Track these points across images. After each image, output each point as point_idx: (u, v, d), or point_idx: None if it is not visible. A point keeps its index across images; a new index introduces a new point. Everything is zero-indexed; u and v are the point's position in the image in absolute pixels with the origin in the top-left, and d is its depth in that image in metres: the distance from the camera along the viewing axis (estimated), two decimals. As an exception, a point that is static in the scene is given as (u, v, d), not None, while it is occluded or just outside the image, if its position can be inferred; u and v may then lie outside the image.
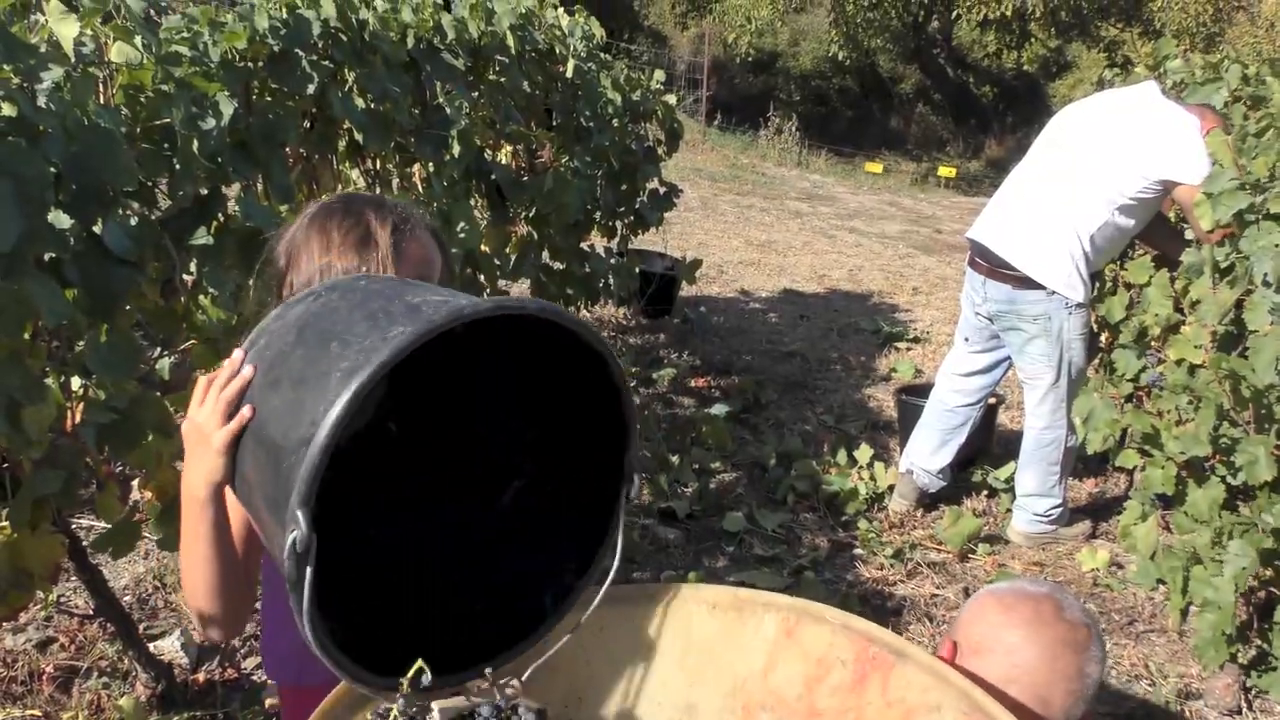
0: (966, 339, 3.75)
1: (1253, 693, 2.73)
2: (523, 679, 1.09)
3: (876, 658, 1.18)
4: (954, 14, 18.56)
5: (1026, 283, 3.37)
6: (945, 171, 16.35)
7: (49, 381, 1.72)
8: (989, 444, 4.30)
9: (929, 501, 3.91)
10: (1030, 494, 3.67)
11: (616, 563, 1.14)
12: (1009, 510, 3.86)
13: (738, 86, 21.97)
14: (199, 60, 1.99)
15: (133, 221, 1.76)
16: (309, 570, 0.92)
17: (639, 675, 1.24)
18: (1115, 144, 3.30)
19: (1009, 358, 3.66)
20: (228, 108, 1.96)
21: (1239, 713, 2.72)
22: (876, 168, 16.28)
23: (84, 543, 2.17)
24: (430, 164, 3.14)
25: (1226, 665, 2.58)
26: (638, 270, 5.65)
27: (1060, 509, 3.67)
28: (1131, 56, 15.91)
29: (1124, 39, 18.98)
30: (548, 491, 1.22)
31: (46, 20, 1.64)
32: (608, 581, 1.14)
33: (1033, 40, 19.87)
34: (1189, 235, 3.16)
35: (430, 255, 1.43)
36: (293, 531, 0.91)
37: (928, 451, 3.83)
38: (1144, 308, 3.09)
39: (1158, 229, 3.48)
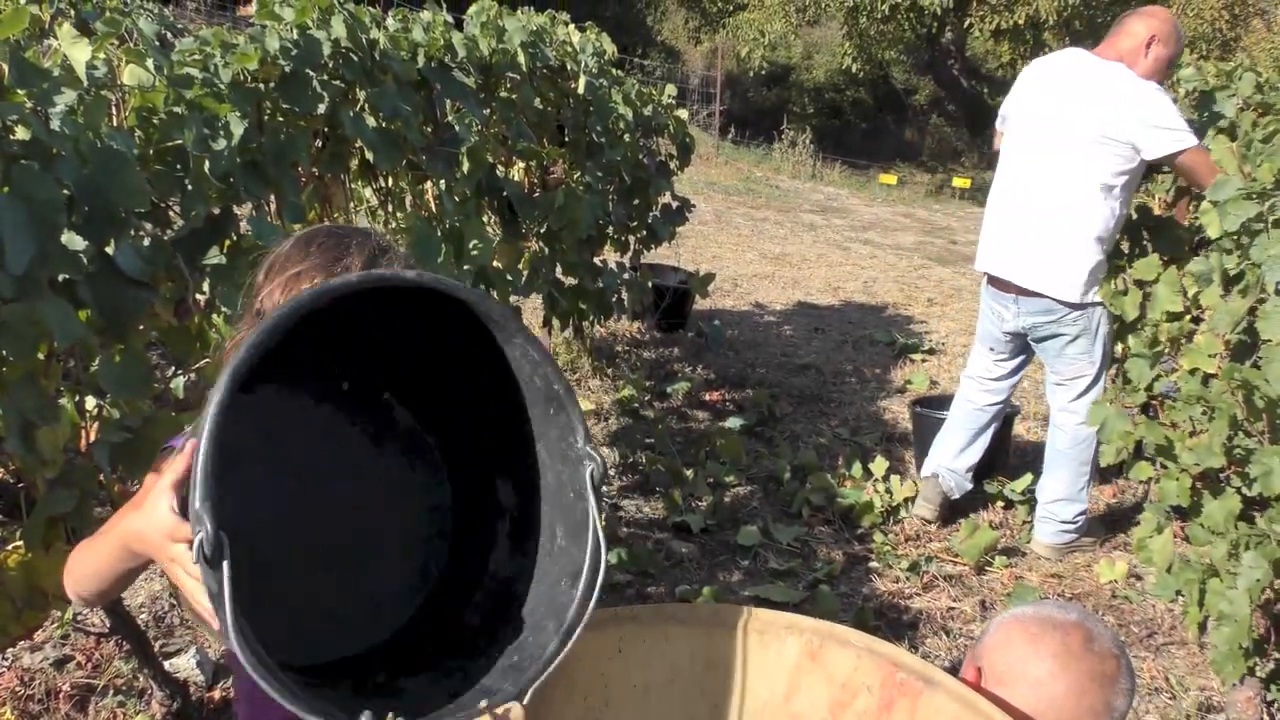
0: (992, 349, 3.74)
1: (1275, 706, 2.69)
2: (524, 702, 1.01)
3: (904, 684, 1.16)
4: (966, 24, 18.54)
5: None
6: (960, 182, 16.30)
7: (64, 401, 1.74)
8: (1005, 456, 4.28)
9: (950, 509, 3.88)
10: (1057, 499, 3.63)
11: (603, 564, 1.06)
12: (1025, 522, 3.84)
13: (751, 100, 22.02)
14: (210, 82, 2.02)
15: (145, 242, 1.77)
16: (226, 577, 0.85)
17: (657, 697, 1.23)
18: (1087, 131, 3.25)
19: (1030, 357, 3.68)
20: (239, 128, 1.98)
21: (1260, 726, 2.68)
22: (891, 179, 16.28)
23: (99, 561, 2.18)
24: (442, 181, 3.16)
25: (1247, 678, 2.54)
26: (651, 284, 5.66)
27: (1085, 515, 3.65)
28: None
29: (1139, 47, 18.88)
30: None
31: (59, 44, 1.66)
32: (596, 588, 1.05)
33: (1047, 49, 19.82)
34: None
35: None
36: (198, 532, 0.85)
37: (954, 451, 3.82)
38: (1153, 305, 3.07)
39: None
